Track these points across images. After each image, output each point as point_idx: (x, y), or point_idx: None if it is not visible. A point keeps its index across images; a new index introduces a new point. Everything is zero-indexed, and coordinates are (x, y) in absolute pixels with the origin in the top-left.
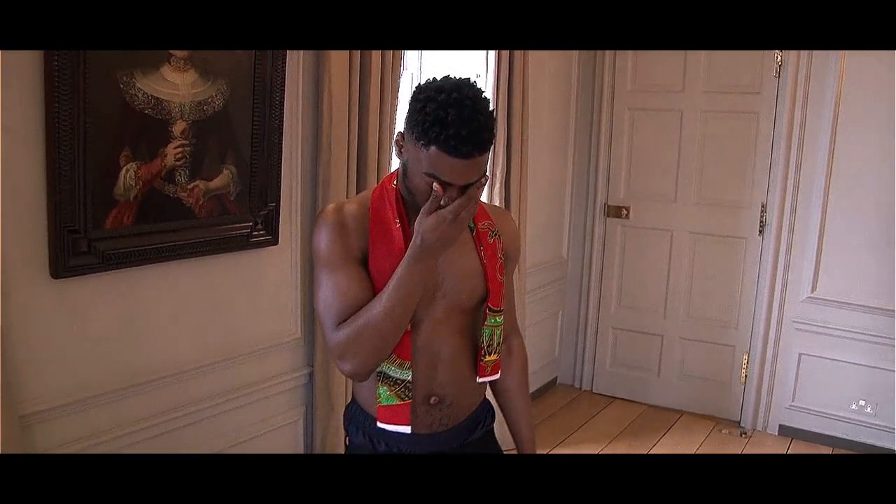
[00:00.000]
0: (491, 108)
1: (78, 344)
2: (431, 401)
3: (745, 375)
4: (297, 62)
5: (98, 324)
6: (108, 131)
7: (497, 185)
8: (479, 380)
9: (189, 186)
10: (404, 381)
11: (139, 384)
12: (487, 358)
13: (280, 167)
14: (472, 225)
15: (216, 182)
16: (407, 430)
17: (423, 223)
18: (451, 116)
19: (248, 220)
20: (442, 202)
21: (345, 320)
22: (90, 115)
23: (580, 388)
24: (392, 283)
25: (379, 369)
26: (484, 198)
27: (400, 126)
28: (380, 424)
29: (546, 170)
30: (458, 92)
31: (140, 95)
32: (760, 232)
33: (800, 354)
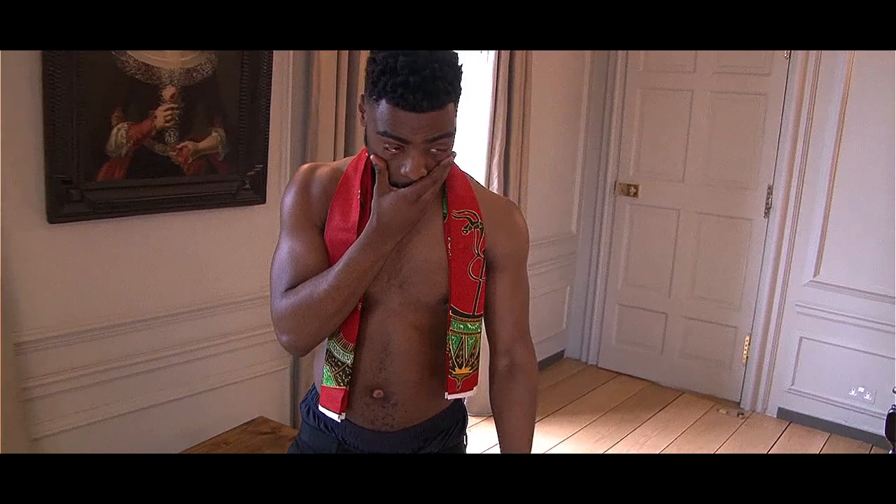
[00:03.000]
0: (458, 62)
1: (71, 283)
2: (375, 394)
3: (747, 357)
4: None
5: (90, 266)
6: (100, 93)
7: (496, 158)
8: (449, 396)
9: (178, 146)
10: (344, 364)
11: (127, 323)
12: (457, 371)
13: (268, 131)
14: (445, 211)
15: (205, 143)
16: (336, 417)
17: (380, 203)
18: (401, 63)
19: (235, 180)
20: (404, 170)
21: (293, 288)
22: (83, 78)
23: (586, 363)
24: (342, 263)
25: (326, 346)
26: (481, 168)
27: None
28: (319, 407)
29: (556, 145)
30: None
31: (131, 62)
32: (766, 214)
33: (801, 338)
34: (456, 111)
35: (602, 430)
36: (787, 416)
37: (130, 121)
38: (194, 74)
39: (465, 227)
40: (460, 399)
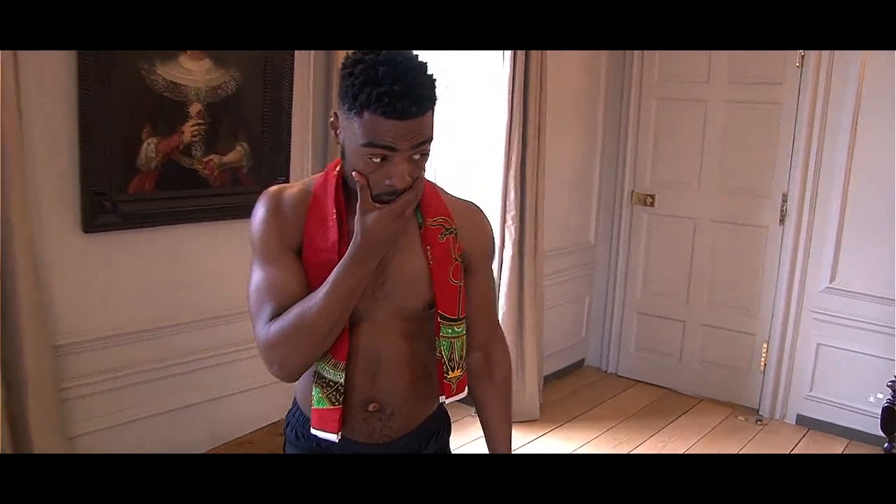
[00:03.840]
0: (430, 71)
1: (104, 289)
2: (370, 407)
3: (765, 364)
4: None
5: (122, 274)
6: (131, 110)
7: (512, 170)
8: (447, 400)
9: (204, 160)
10: (336, 383)
11: (157, 328)
12: (451, 374)
13: (290, 145)
14: (421, 220)
15: (229, 157)
16: (334, 437)
17: (364, 221)
18: (382, 73)
19: (259, 192)
20: (389, 181)
21: (278, 316)
22: (115, 96)
23: (606, 371)
24: (329, 283)
25: (314, 368)
26: (498, 180)
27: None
28: (312, 430)
29: (573, 157)
30: (388, 52)
31: (160, 81)
32: (781, 221)
33: (818, 344)
34: (433, 117)
35: (620, 435)
36: (805, 423)
37: (159, 136)
38: (219, 91)
39: (441, 234)
40: (437, 403)
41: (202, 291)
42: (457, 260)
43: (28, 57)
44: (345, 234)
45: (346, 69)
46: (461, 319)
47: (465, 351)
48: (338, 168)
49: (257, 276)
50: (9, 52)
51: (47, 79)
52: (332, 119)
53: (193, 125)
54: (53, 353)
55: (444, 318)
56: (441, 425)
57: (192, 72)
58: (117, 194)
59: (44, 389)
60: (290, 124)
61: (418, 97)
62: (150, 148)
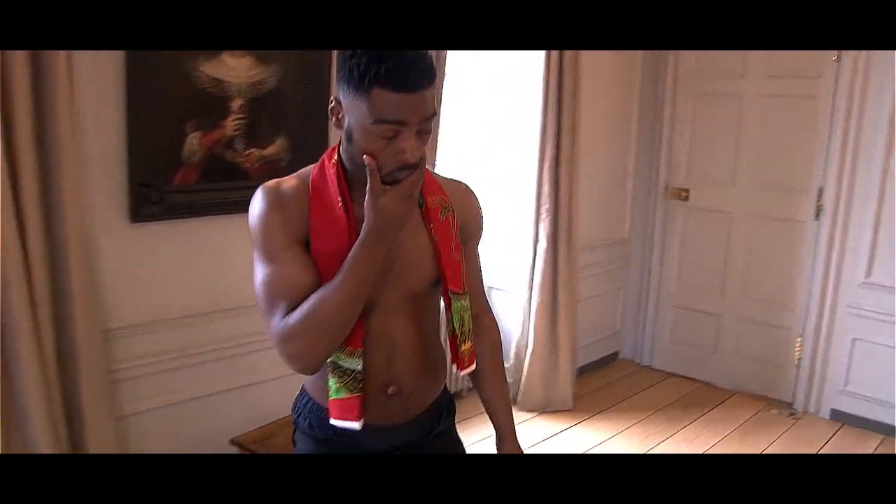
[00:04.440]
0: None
1: (151, 277)
2: (389, 391)
3: (799, 358)
4: None
5: (168, 262)
6: (176, 106)
7: (546, 163)
8: (462, 373)
9: (245, 153)
10: (354, 371)
11: (201, 314)
12: (464, 347)
13: (327, 138)
14: (421, 201)
15: (269, 150)
16: (356, 426)
17: (376, 204)
18: (387, 50)
19: None
20: (401, 156)
21: (292, 310)
22: (161, 93)
23: (640, 363)
24: (345, 270)
25: (329, 359)
26: (533, 175)
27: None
28: (332, 421)
29: (607, 151)
30: None
31: (203, 77)
32: (817, 216)
33: (853, 339)
34: (434, 93)
35: (651, 427)
36: (840, 418)
37: (203, 130)
38: (259, 87)
39: (441, 212)
40: (444, 381)
41: (244, 279)
42: (456, 237)
43: (81, 57)
44: (352, 220)
45: (347, 53)
46: (466, 293)
47: (471, 323)
48: (335, 156)
49: (265, 270)
50: (63, 52)
51: (98, 78)
52: (332, 105)
53: (235, 120)
54: (104, 336)
55: (453, 293)
56: (447, 404)
57: (234, 69)
58: (163, 186)
59: (95, 371)
60: (328, 119)
61: (424, 69)
62: (193, 142)
